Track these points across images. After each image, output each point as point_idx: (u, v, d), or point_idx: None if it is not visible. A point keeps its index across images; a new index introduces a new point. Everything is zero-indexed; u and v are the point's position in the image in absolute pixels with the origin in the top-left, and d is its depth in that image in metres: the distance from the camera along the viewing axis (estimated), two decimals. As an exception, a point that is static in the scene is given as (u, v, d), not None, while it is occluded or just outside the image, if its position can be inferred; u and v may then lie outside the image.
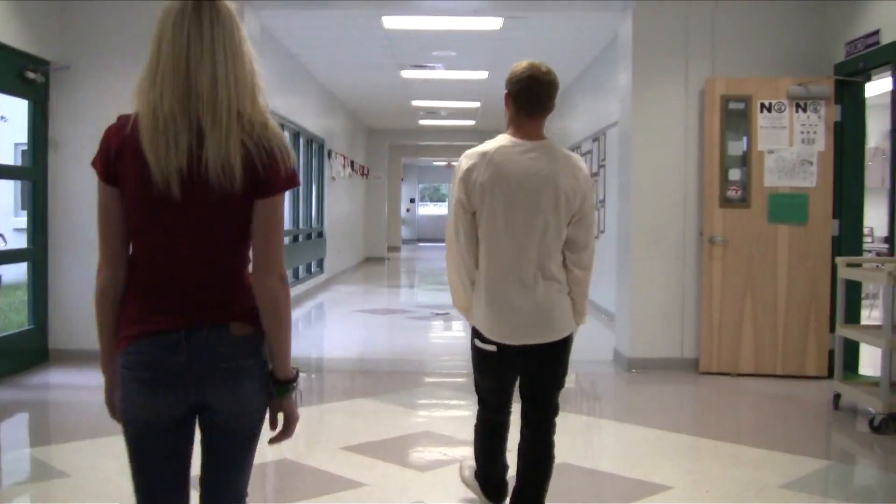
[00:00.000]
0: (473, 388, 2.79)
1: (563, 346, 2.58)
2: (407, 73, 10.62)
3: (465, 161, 2.55)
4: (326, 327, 8.51)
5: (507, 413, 2.74)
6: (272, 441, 1.50)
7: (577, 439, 4.25)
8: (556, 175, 2.49)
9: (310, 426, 4.46)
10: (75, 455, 3.73)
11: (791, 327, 5.58)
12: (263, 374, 1.41)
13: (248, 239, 1.35)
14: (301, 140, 10.43)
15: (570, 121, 11.58)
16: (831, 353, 5.55)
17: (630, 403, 5.17)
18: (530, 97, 2.52)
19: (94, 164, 1.40)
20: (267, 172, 1.33)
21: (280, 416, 1.48)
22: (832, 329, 5.55)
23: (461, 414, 4.70)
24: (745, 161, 5.63)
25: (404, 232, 25.22)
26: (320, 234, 11.84)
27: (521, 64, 2.57)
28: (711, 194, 5.63)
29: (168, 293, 1.33)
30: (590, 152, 9.68)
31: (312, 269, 11.28)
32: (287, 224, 9.59)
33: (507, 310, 2.47)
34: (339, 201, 13.19)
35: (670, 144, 5.81)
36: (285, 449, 4.09)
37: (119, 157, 1.32)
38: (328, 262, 12.09)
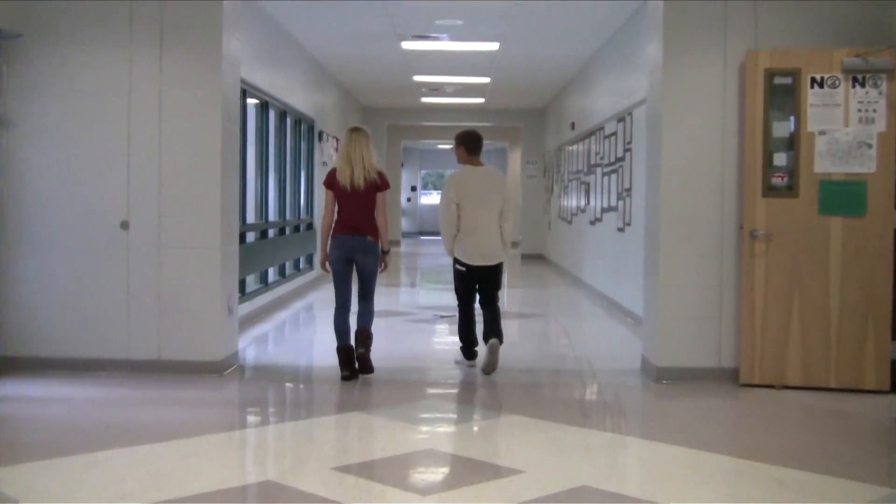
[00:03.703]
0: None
1: (499, 267, 6.14)
2: (408, 45, 10.58)
3: (452, 178, 6.07)
4: (316, 331, 8.51)
5: (473, 306, 6.20)
6: (382, 272, 5.82)
7: (598, 459, 4.22)
8: (493, 183, 6.07)
9: (296, 443, 4.45)
10: (26, 477, 3.71)
11: (845, 333, 5.53)
12: (377, 252, 5.69)
13: (374, 207, 5.64)
14: (287, 120, 10.41)
15: (590, 100, 11.55)
16: (893, 364, 5.49)
17: (659, 419, 5.17)
18: (474, 145, 6.12)
19: (324, 183, 5.76)
20: (380, 183, 5.66)
21: (384, 263, 5.77)
22: (894, 336, 5.49)
23: (469, 429, 4.69)
24: (792, 144, 5.59)
25: (404, 224, 25.26)
26: (309, 227, 11.83)
27: (461, 130, 6.21)
28: (753, 182, 5.60)
29: (350, 223, 5.64)
30: (613, 135, 9.64)
31: (301, 266, 11.27)
32: (271, 214, 9.59)
33: (474, 249, 6.02)
34: (331, 189, 13.14)
35: (706, 125, 5.78)
36: (268, 468, 4.07)
37: (332, 179, 5.66)
38: (318, 257, 12.00)
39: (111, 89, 5.75)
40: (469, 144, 6.08)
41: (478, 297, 6.19)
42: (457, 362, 6.35)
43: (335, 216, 5.73)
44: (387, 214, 5.77)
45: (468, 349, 6.23)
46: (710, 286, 5.79)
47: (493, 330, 6.03)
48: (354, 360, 5.70)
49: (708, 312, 5.80)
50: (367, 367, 5.75)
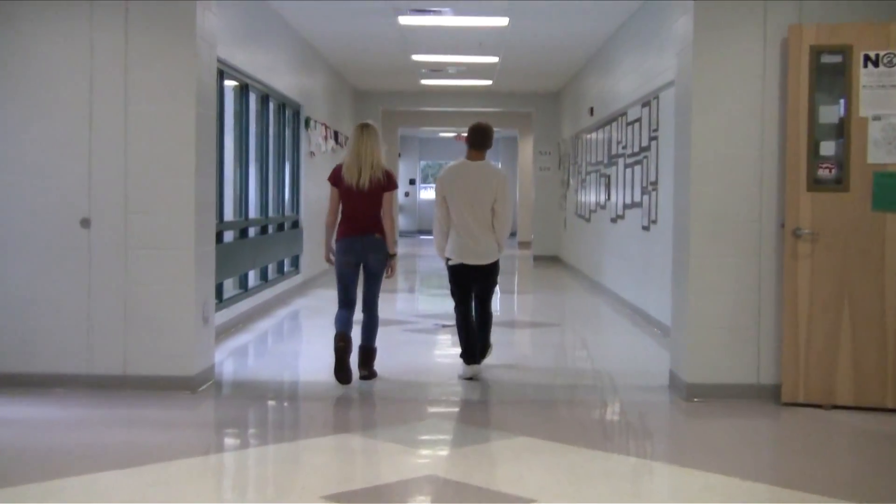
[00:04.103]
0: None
1: (493, 267, 6.47)
2: (406, 20, 10.57)
3: (443, 172, 6.51)
4: (303, 343, 8.52)
5: (470, 305, 6.52)
6: (387, 277, 6.21)
7: (621, 486, 4.21)
8: (484, 178, 6.39)
9: (280, 469, 4.44)
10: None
11: (900, 346, 5.52)
12: (385, 251, 6.09)
13: (380, 207, 6.06)
14: (270, 105, 10.42)
15: (611, 82, 11.55)
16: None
17: (690, 441, 5.15)
18: (481, 140, 6.47)
19: (329, 179, 6.16)
20: (386, 183, 6.07)
21: (390, 267, 6.19)
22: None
23: (474, 453, 4.68)
24: (841, 130, 5.57)
25: (402, 222, 25.30)
26: (295, 225, 11.82)
27: (481, 121, 6.55)
28: (796, 174, 5.59)
29: (355, 224, 6.07)
30: (637, 121, 9.63)
31: (285, 269, 11.27)
32: (252, 211, 9.59)
33: (464, 247, 6.37)
34: (320, 183, 13.11)
35: (743, 110, 5.77)
36: (249, 498, 4.05)
37: (338, 176, 6.09)
38: (305, 259, 12.11)
39: (69, 67, 5.75)
40: (470, 138, 6.48)
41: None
42: (461, 378, 6.46)
43: (338, 215, 6.20)
44: (393, 215, 6.17)
45: (470, 354, 6.45)
46: (747, 292, 5.78)
47: (481, 342, 6.53)
48: (350, 348, 6.09)
49: (745, 322, 5.78)
50: (366, 377, 6.20)
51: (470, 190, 6.34)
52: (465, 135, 6.52)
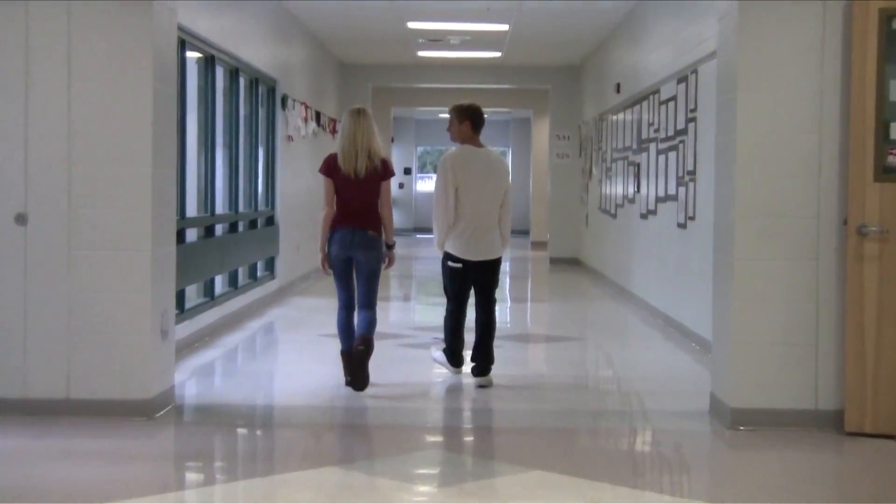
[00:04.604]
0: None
1: (498, 262, 6.97)
2: (399, -19, 10.53)
3: (450, 159, 6.78)
4: (279, 360, 8.51)
5: (465, 306, 6.97)
6: (386, 269, 6.74)
7: (657, 534, 4.17)
8: (497, 168, 6.89)
9: (250, 512, 4.41)
10: None
11: (984, 364, 5.48)
12: (379, 249, 6.61)
13: (377, 197, 6.59)
14: (241, 80, 10.40)
15: (641, 54, 11.55)
16: None
17: (734, 478, 5.12)
18: (477, 123, 6.83)
19: (321, 171, 6.62)
20: (383, 172, 6.57)
21: (389, 259, 6.73)
22: None
23: (480, 490, 4.66)
24: (915, 110, 5.55)
25: (396, 218, 25.11)
26: (270, 222, 11.81)
27: (463, 103, 6.90)
28: (861, 162, 5.57)
29: (351, 216, 6.53)
30: (672, 100, 9.62)
31: (258, 274, 11.26)
32: (219, 206, 9.56)
33: (471, 242, 6.76)
34: (299, 172, 13.17)
35: (797, 87, 5.76)
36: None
37: (331, 166, 6.56)
38: (282, 262, 12.10)
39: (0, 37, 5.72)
40: (475, 120, 6.82)
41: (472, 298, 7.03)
42: (435, 361, 7.16)
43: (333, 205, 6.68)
44: (391, 205, 6.69)
45: (455, 357, 6.98)
46: (802, 301, 5.77)
47: (483, 354, 6.87)
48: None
49: (800, 336, 5.77)
50: (362, 378, 6.44)
51: (484, 180, 6.75)
52: (461, 119, 6.82)
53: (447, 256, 6.86)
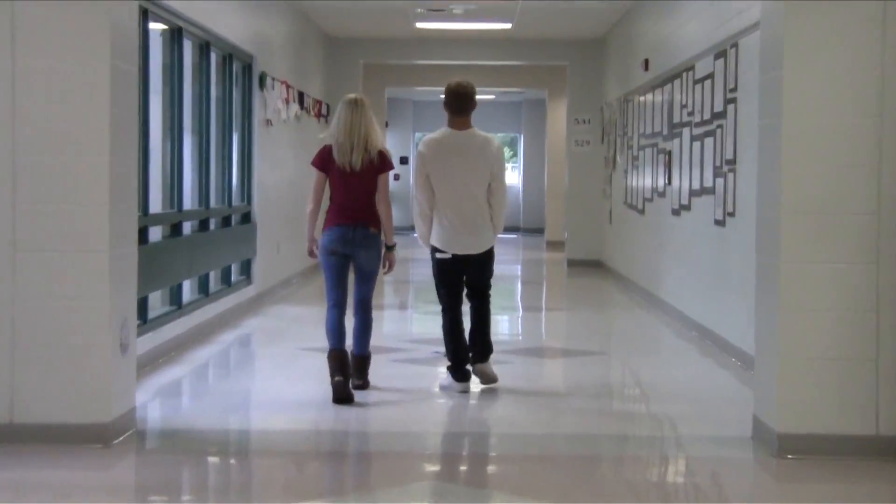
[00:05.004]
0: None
1: (489, 254, 7.33)
2: (394, -59, 10.54)
3: (423, 144, 7.29)
4: (256, 378, 8.50)
5: (460, 308, 7.34)
6: (385, 273, 7.28)
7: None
8: (477, 149, 7.20)
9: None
10: None
11: None
12: (379, 247, 7.05)
13: (374, 192, 7.01)
14: (212, 56, 10.41)
15: (674, 24, 11.55)
16: None
17: (783, 514, 5.11)
18: (454, 103, 7.23)
19: (313, 163, 7.03)
20: (380, 164, 6.94)
21: (389, 261, 7.18)
22: None
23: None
24: None
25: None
26: (246, 219, 11.82)
27: (451, 81, 7.30)
28: (927, 148, 5.54)
29: (348, 212, 6.93)
30: (709, 77, 9.62)
31: (233, 279, 11.26)
32: (187, 201, 9.58)
33: (454, 233, 7.18)
34: (280, 161, 13.17)
35: (854, 63, 5.75)
36: None
37: (325, 158, 6.97)
38: (260, 265, 12.11)
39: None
40: (452, 102, 7.25)
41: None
42: (443, 388, 7.34)
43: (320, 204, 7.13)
44: (390, 201, 7.06)
45: (458, 368, 7.25)
46: (859, 310, 5.76)
47: (480, 342, 7.33)
48: (349, 365, 6.97)
49: (857, 351, 5.75)
50: (360, 386, 7.05)
51: (461, 165, 7.16)
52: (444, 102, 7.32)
53: (434, 249, 7.28)
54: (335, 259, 6.99)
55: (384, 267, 7.15)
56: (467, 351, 7.29)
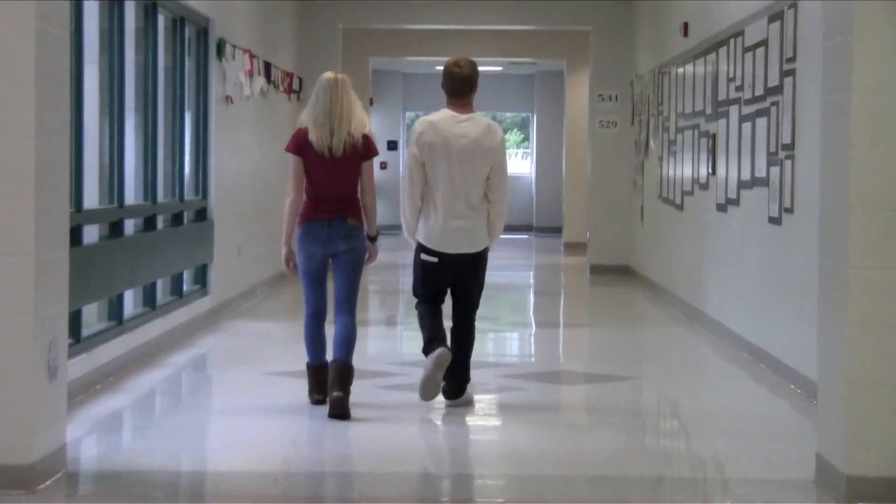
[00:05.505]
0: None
1: (482, 256, 7.70)
2: None
3: (419, 126, 7.59)
4: (212, 409, 8.54)
5: (440, 303, 7.77)
6: (367, 262, 7.77)
7: None
8: (479, 138, 7.53)
9: None
10: None
11: None
12: (362, 240, 7.60)
13: (357, 181, 7.57)
14: (160, 20, 10.41)
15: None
16: None
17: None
18: (450, 86, 7.63)
19: (288, 149, 7.49)
20: (364, 150, 7.45)
21: (370, 252, 7.76)
22: None
23: None
24: None
25: (378, 209, 25.22)
26: (201, 216, 11.84)
27: (450, 60, 7.73)
28: None
29: (325, 204, 7.44)
30: (762, 44, 9.62)
31: (185, 288, 11.26)
32: (129, 194, 9.59)
33: (446, 230, 7.51)
34: (242, 146, 13.20)
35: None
36: None
37: (300, 143, 7.44)
38: (218, 272, 12.14)
39: None
40: (447, 81, 7.64)
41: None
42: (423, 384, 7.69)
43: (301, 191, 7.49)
44: (374, 190, 7.59)
45: (430, 342, 7.60)
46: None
47: (458, 374, 7.65)
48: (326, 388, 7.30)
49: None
50: (342, 412, 7.16)
51: (462, 154, 7.46)
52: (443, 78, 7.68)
53: (420, 248, 7.63)
54: (312, 263, 7.37)
55: (367, 257, 7.59)
56: (444, 332, 7.63)
